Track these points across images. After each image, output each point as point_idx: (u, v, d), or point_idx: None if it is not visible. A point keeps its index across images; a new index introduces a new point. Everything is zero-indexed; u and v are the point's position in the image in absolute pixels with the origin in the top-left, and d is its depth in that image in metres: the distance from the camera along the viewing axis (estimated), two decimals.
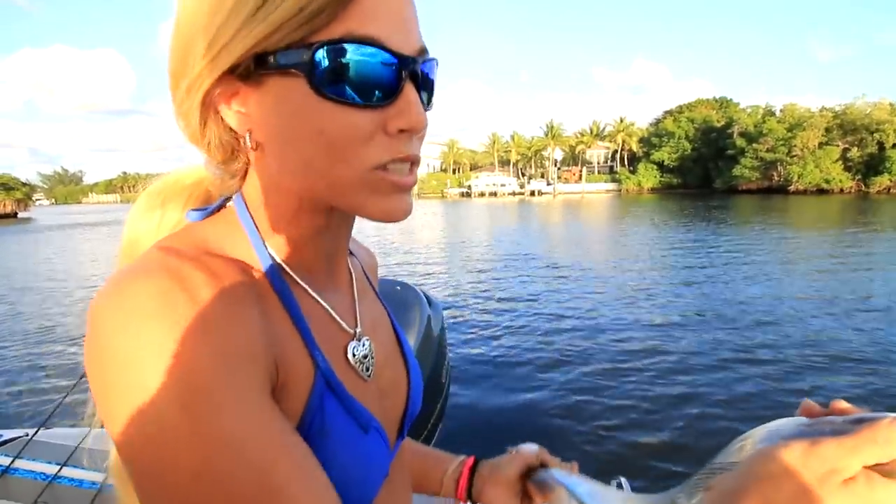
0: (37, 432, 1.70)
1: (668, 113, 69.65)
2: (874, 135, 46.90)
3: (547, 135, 79.55)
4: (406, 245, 15.69)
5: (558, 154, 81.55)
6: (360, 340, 0.48)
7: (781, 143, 50.35)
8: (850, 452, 0.28)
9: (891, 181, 46.04)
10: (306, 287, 0.44)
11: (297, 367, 0.39)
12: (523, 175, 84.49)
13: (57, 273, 12.98)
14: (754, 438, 0.35)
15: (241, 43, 0.34)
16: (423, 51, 0.39)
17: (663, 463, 3.20)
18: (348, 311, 0.49)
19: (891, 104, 48.80)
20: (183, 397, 0.30)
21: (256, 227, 0.42)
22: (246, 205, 0.42)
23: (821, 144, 48.88)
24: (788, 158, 49.83)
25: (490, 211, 37.10)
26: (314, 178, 0.38)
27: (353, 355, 0.46)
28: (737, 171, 53.80)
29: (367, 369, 0.48)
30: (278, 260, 0.42)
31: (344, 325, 0.47)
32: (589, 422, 3.75)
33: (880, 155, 46.51)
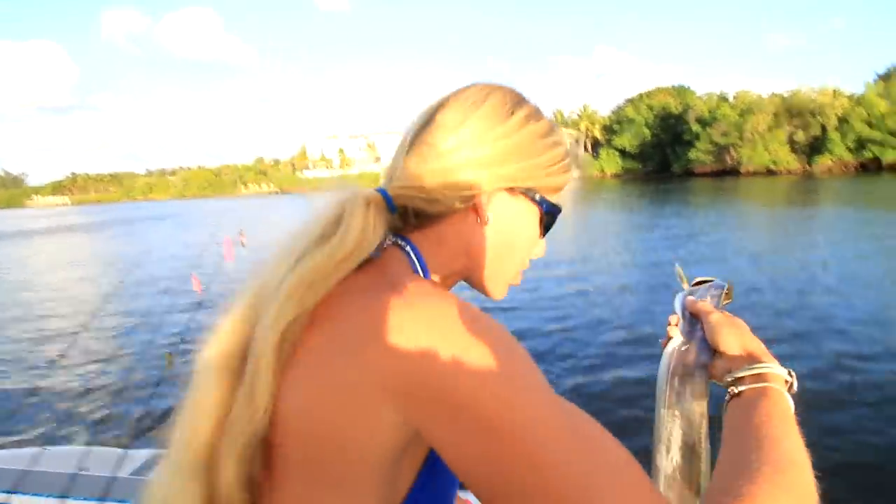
0: None
1: (629, 100, 71.18)
2: (817, 118, 49.49)
3: None
4: None
5: None
6: None
7: (733, 127, 52.46)
8: (709, 308, 0.66)
9: (832, 162, 48.81)
10: None
11: None
12: None
13: (6, 289, 12.24)
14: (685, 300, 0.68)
15: (529, 179, 0.54)
16: None
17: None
18: None
19: (834, 90, 51.50)
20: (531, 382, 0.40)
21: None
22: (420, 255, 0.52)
23: (770, 128, 51.22)
24: (740, 142, 51.94)
25: None
26: (488, 266, 0.54)
27: None
28: (692, 154, 55.73)
29: None
30: None
31: None
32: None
33: (823, 137, 49.16)
